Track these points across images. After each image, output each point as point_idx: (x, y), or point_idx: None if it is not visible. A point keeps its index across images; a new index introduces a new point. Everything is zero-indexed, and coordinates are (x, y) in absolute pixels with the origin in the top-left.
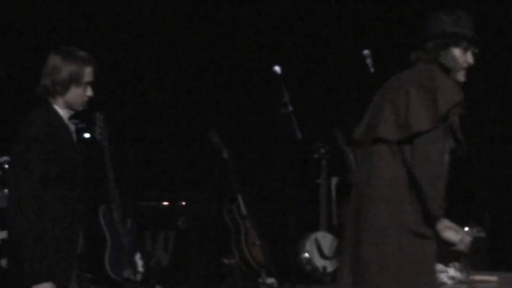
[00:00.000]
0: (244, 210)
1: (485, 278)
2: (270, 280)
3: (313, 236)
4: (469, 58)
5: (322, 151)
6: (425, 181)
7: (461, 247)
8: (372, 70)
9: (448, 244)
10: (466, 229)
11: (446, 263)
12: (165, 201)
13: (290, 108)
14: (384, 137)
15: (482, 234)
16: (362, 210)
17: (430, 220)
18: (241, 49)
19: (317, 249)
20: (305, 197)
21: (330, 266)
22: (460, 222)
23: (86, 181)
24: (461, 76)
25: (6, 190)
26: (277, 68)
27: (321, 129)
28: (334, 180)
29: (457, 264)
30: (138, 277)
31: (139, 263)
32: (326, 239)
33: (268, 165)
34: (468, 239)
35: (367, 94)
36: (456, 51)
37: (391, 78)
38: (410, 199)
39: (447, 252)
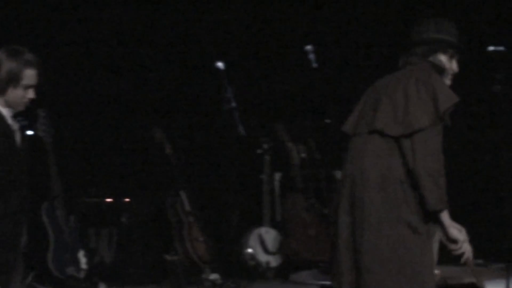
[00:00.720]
0: (187, 206)
1: None
2: (214, 276)
3: (256, 231)
4: (454, 66)
5: (265, 146)
6: (425, 176)
7: (463, 248)
8: (314, 65)
9: (451, 241)
10: None
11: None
12: (109, 197)
13: (233, 104)
14: (382, 130)
15: None
16: (357, 201)
17: (428, 216)
18: (184, 45)
19: (261, 245)
20: (249, 193)
21: (273, 261)
22: None
23: (30, 178)
24: (448, 81)
25: None
26: (220, 64)
27: (264, 124)
28: (277, 176)
29: None
30: (82, 274)
31: (83, 260)
32: (269, 235)
33: (211, 161)
34: (469, 247)
35: (310, 89)
36: (443, 58)
37: (385, 76)
38: (404, 193)
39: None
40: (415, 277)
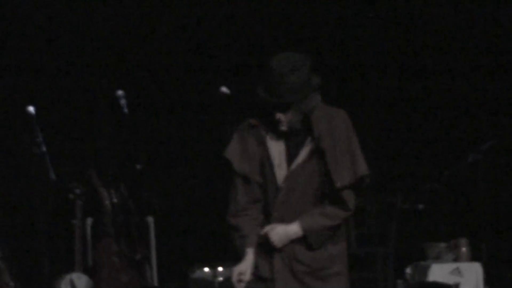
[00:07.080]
0: None
1: None
2: None
3: (68, 277)
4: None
5: (77, 191)
6: None
7: None
8: (126, 110)
9: None
10: None
11: None
12: None
13: (44, 148)
14: None
15: None
16: None
17: None
18: None
19: None
20: (60, 238)
21: None
22: None
23: None
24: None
25: None
26: (31, 108)
27: (76, 169)
28: (89, 221)
29: None
30: None
31: None
32: (81, 280)
33: (22, 205)
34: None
35: (121, 134)
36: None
37: None
38: None
39: None
40: None
